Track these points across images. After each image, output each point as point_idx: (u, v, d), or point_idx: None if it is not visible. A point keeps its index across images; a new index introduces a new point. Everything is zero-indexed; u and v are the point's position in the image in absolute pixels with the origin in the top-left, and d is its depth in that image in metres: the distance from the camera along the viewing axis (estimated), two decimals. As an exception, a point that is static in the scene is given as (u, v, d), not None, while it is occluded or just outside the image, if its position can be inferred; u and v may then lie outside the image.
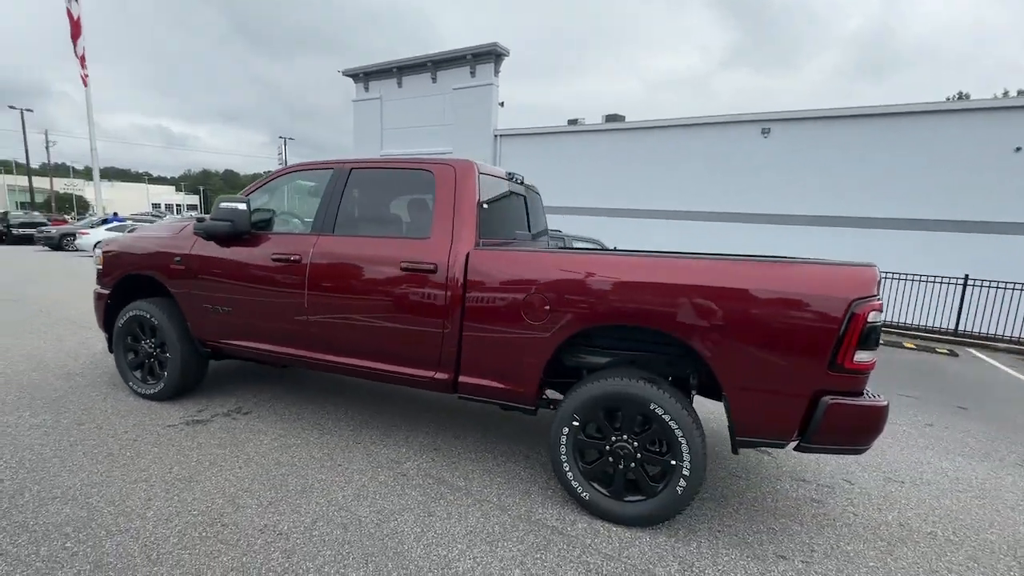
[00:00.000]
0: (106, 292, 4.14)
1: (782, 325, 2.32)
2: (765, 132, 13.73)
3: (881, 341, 2.50)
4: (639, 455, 2.63)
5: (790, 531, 2.77)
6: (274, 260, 3.42)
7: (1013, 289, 9.48)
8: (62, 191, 54.74)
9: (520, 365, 2.85)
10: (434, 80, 19.31)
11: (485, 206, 3.18)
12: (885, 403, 2.36)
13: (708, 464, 3.47)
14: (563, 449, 2.77)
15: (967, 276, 9.80)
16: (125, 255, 4.07)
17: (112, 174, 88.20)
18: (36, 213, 28.35)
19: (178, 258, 3.75)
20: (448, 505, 2.79)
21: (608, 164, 16.31)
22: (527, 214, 4.06)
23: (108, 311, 4.15)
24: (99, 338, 5.59)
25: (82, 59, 19.94)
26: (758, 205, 13.85)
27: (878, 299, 2.29)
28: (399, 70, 20.00)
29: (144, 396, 3.99)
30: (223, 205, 3.47)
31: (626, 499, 2.67)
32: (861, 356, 2.28)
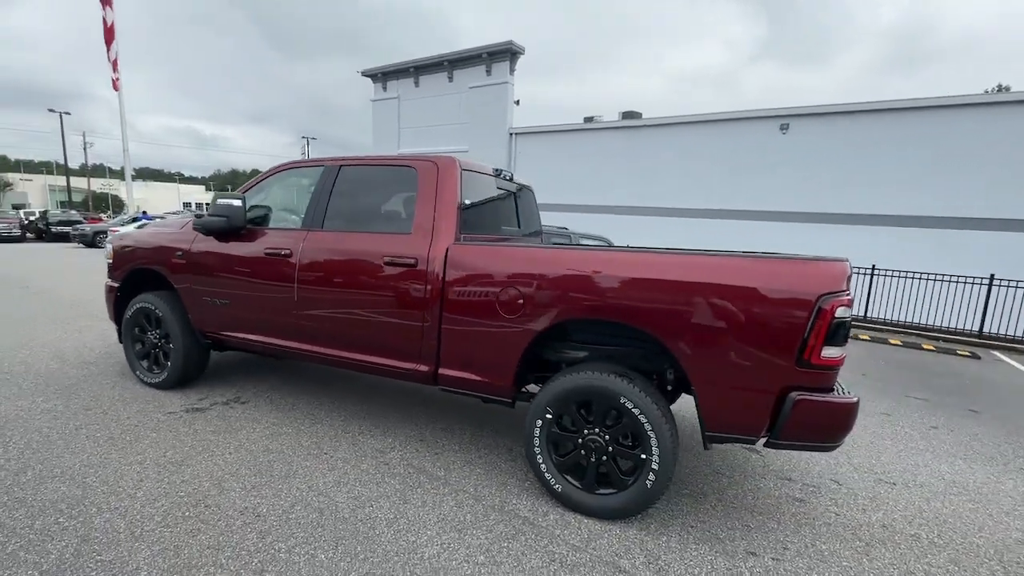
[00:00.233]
0: (116, 285, 4.35)
1: (748, 320, 2.31)
2: (784, 128, 13.43)
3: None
4: (610, 448, 2.65)
5: (765, 528, 2.75)
6: (267, 255, 3.54)
7: (1043, 290, 9.07)
8: (99, 190, 57.01)
9: (496, 358, 2.90)
10: (450, 79, 19.44)
11: (467, 202, 3.23)
12: (855, 400, 2.32)
13: (695, 462, 3.48)
14: (537, 441, 2.81)
15: (992, 276, 9.42)
16: (133, 250, 4.27)
17: (147, 174, 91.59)
18: (73, 212, 29.58)
19: (180, 253, 3.92)
20: (424, 494, 2.86)
21: (624, 162, 16.18)
22: (517, 212, 4.09)
23: (118, 303, 4.36)
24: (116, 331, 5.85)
25: (114, 63, 20.71)
26: (777, 202, 13.54)
27: (848, 294, 2.26)
28: (416, 70, 20.19)
29: (149, 384, 4.17)
30: (220, 202, 3.61)
31: (598, 492, 2.70)
32: (829, 352, 2.25)
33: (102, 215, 35.36)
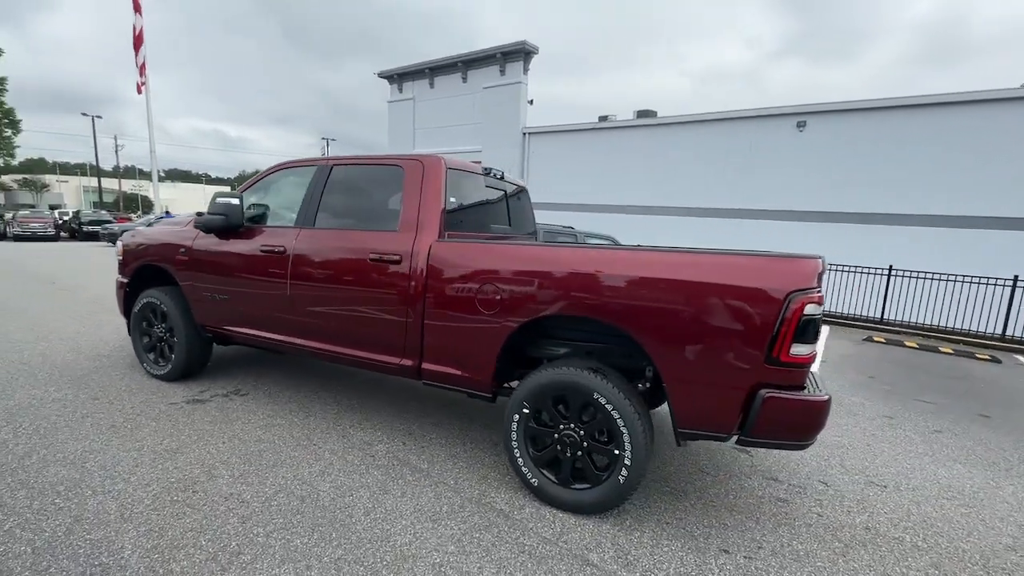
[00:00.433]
0: (125, 280, 4.54)
1: (716, 317, 2.31)
2: (801, 126, 13.16)
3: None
4: (585, 444, 2.68)
5: (743, 527, 2.74)
6: (262, 251, 3.66)
7: (1071, 292, 8.71)
8: (129, 191, 58.98)
9: (476, 353, 2.95)
10: (464, 80, 19.58)
11: (453, 200, 3.29)
12: (826, 397, 2.30)
13: (680, 460, 3.48)
14: (514, 436, 2.85)
15: (1016, 277, 9.08)
16: (141, 247, 4.45)
17: (176, 175, 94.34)
18: (103, 212, 30.71)
19: (183, 250, 4.07)
20: (405, 485, 2.92)
21: (639, 161, 16.06)
22: (508, 211, 4.13)
23: (127, 298, 4.55)
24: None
25: (142, 68, 21.44)
26: (796, 202, 13.29)
27: (818, 292, 2.24)
28: (431, 71, 20.39)
29: (155, 376, 4.35)
30: (218, 200, 3.74)
31: (573, 487, 2.73)
32: (798, 349, 2.24)
33: (131, 215, 36.59)
